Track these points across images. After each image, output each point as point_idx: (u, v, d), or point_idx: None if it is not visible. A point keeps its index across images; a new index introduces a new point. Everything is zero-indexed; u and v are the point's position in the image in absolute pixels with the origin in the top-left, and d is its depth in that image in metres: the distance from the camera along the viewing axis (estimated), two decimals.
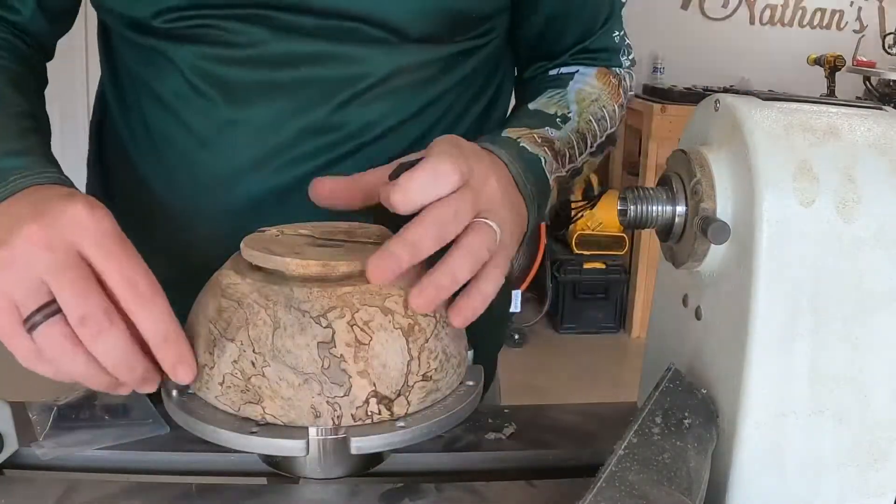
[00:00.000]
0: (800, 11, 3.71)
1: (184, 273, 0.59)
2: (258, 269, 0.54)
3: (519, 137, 0.66)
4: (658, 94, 3.25)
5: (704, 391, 0.51)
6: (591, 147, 0.74)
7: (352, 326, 0.50)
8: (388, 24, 0.67)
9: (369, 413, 0.50)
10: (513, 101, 0.84)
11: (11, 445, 0.56)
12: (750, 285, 0.48)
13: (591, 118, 0.74)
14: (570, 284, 3.26)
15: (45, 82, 0.75)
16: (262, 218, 0.61)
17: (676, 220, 0.54)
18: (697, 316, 0.55)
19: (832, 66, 3.32)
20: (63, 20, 0.75)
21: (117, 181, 0.78)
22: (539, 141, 0.67)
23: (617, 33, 0.81)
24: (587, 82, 0.78)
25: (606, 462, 0.45)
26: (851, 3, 3.73)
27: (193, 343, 0.53)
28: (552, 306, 3.29)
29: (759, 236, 0.47)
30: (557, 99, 0.75)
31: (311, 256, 0.53)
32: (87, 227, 0.47)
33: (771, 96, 0.53)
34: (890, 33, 3.58)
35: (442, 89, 0.73)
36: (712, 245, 0.51)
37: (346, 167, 0.67)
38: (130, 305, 0.47)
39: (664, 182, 0.55)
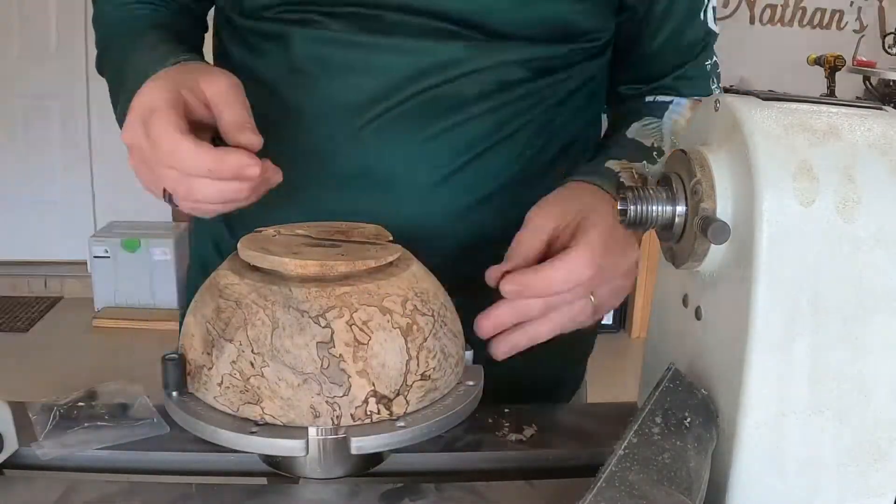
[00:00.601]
0: (800, 11, 3.71)
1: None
2: (256, 269, 0.54)
3: (619, 172, 0.69)
4: None
5: (704, 391, 0.51)
6: None
7: (350, 326, 0.50)
8: (487, 28, 0.70)
9: (368, 413, 0.50)
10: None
11: (11, 445, 0.56)
12: (750, 285, 0.48)
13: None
14: None
15: (202, 27, 0.83)
16: (351, 190, 0.70)
17: (676, 220, 0.54)
18: (697, 316, 0.55)
19: (832, 66, 3.31)
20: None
21: None
22: (636, 177, 0.70)
23: (709, 61, 0.84)
24: (681, 113, 0.81)
25: (606, 462, 0.45)
26: (851, 3, 3.73)
27: (191, 344, 0.53)
28: None
29: (759, 236, 0.47)
30: (653, 129, 0.78)
31: (309, 256, 0.53)
32: (135, 110, 0.58)
33: (771, 96, 0.53)
34: (890, 33, 3.58)
35: (534, 88, 0.74)
36: (712, 245, 0.51)
37: (435, 145, 0.71)
38: (167, 162, 0.56)
39: (664, 182, 0.55)
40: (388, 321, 0.51)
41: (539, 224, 0.63)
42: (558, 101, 0.76)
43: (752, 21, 3.69)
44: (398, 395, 0.51)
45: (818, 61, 3.37)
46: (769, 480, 0.50)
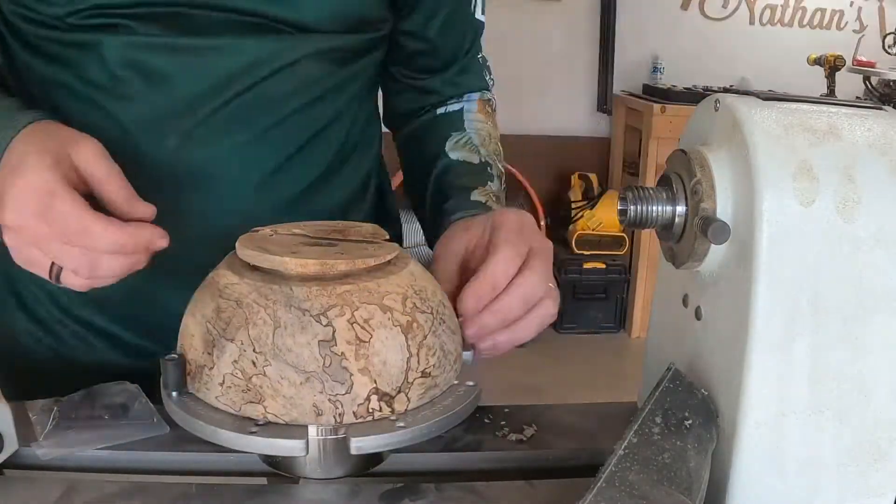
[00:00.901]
0: (800, 11, 3.71)
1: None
2: (255, 268, 0.54)
3: (486, 201, 0.77)
4: (658, 94, 3.24)
5: (704, 391, 0.51)
6: (503, 186, 0.84)
7: (352, 324, 0.50)
8: (288, 22, 0.72)
9: (370, 410, 0.50)
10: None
11: (11, 445, 0.56)
12: (750, 285, 0.48)
13: (495, 157, 0.85)
14: (570, 284, 3.26)
15: None
16: (173, 193, 0.69)
17: (676, 220, 0.54)
18: (697, 316, 0.55)
19: (832, 66, 3.31)
20: None
21: None
22: (494, 199, 0.79)
23: (480, 54, 0.91)
24: (476, 119, 0.87)
25: (606, 462, 0.45)
26: (851, 3, 3.73)
27: (191, 344, 0.53)
28: None
29: (759, 236, 0.47)
30: (466, 143, 0.84)
31: (309, 255, 0.53)
32: (24, 191, 0.58)
33: (771, 96, 0.53)
34: (890, 33, 3.58)
35: (341, 78, 0.78)
36: (712, 245, 0.51)
37: (257, 142, 0.73)
38: (76, 241, 0.56)
39: (664, 182, 0.55)
40: (389, 319, 0.51)
41: (447, 253, 0.68)
42: (354, 92, 0.80)
43: (752, 21, 3.68)
44: (399, 392, 0.51)
45: (818, 61, 3.36)
46: (769, 480, 0.50)
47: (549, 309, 0.65)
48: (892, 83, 3.31)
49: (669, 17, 3.58)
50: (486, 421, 0.63)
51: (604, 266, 3.27)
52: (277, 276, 0.52)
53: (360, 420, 0.50)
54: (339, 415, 0.50)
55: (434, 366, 0.53)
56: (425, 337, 0.53)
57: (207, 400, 0.52)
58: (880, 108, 0.53)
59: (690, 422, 0.49)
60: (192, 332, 0.54)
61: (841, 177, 0.49)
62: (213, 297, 0.53)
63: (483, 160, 0.83)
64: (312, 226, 0.60)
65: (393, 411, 0.51)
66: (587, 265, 3.26)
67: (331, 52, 0.76)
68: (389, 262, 0.56)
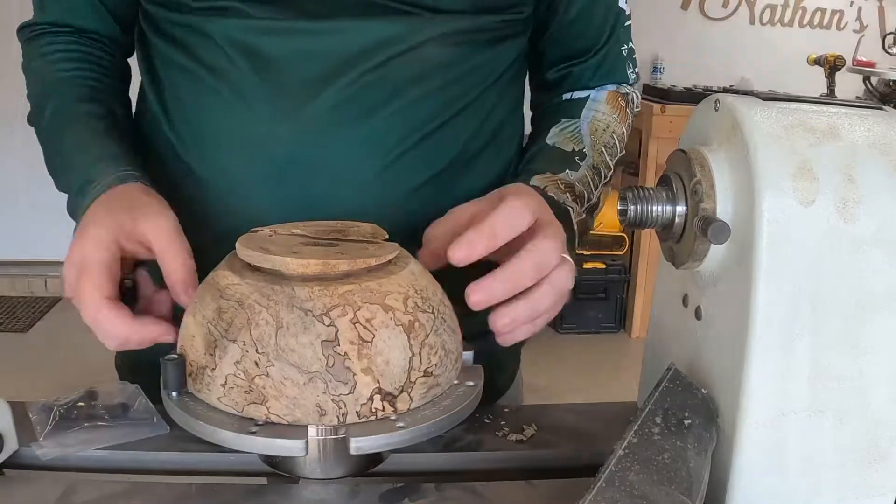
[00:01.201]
0: (800, 11, 3.71)
1: (218, 238, 0.63)
2: (256, 269, 0.54)
3: (545, 187, 0.70)
4: (658, 94, 3.24)
5: (704, 391, 0.51)
6: (605, 178, 0.78)
7: (354, 324, 0.50)
8: (413, 1, 0.69)
9: (373, 410, 0.50)
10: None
11: (11, 445, 0.56)
12: (750, 285, 0.48)
13: (603, 149, 0.78)
14: None
15: (127, 76, 0.82)
16: (292, 180, 0.68)
17: (676, 220, 0.54)
18: (697, 316, 0.55)
19: (832, 66, 3.31)
20: (130, 19, 0.79)
21: (155, 162, 0.79)
22: (563, 188, 0.71)
23: (625, 46, 0.84)
24: (598, 109, 0.81)
25: (606, 462, 0.45)
26: (851, 3, 3.73)
27: (192, 345, 0.53)
28: None
29: (759, 236, 0.47)
30: (571, 131, 0.78)
31: (310, 256, 0.53)
32: (75, 255, 0.62)
33: (771, 96, 0.53)
34: (890, 33, 3.58)
35: (474, 64, 0.74)
36: (712, 245, 0.51)
37: (379, 128, 0.70)
38: (86, 319, 0.59)
39: (664, 182, 0.55)
40: (391, 319, 0.51)
41: (455, 221, 0.62)
42: (491, 81, 0.76)
43: (752, 21, 3.69)
44: (402, 391, 0.51)
45: (818, 61, 3.36)
46: (769, 480, 0.50)
47: (564, 279, 0.59)
48: (892, 83, 3.31)
49: (669, 17, 3.58)
50: (487, 421, 0.63)
51: (604, 266, 3.27)
52: (279, 276, 0.52)
53: (363, 420, 0.50)
54: (343, 415, 0.50)
55: (436, 365, 0.53)
56: (427, 336, 0.53)
57: (209, 401, 0.52)
58: (880, 108, 0.53)
59: (690, 422, 0.49)
60: (192, 332, 0.54)
61: (841, 177, 0.49)
62: (213, 297, 0.53)
63: (577, 149, 0.77)
64: (312, 226, 0.60)
65: (396, 411, 0.51)
66: (587, 265, 3.26)
67: (461, 35, 0.72)
68: (390, 261, 0.56)
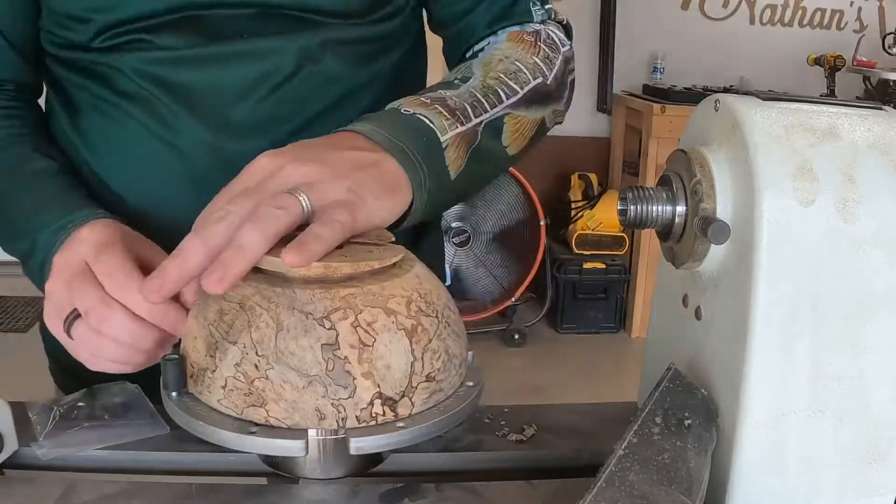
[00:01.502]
0: (800, 11, 3.71)
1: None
2: (259, 271, 0.54)
3: (401, 104, 0.63)
4: (658, 94, 3.24)
5: (704, 391, 0.51)
6: (509, 98, 0.69)
7: (355, 328, 0.50)
8: (306, 6, 0.70)
9: (374, 415, 0.50)
10: None
11: (11, 445, 0.56)
12: (750, 285, 0.48)
13: (500, 74, 0.70)
14: (570, 284, 3.26)
15: (45, 118, 0.80)
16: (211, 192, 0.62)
17: (676, 220, 0.54)
18: (697, 316, 0.55)
19: (832, 66, 3.31)
20: (38, 58, 0.77)
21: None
22: (428, 101, 0.64)
23: None
24: (495, 48, 0.74)
25: (606, 462, 0.45)
26: (851, 3, 3.73)
27: (194, 346, 0.53)
28: (552, 306, 3.29)
29: (759, 236, 0.47)
30: (460, 69, 0.72)
31: None
32: (86, 241, 0.60)
33: (771, 96, 0.53)
34: (890, 33, 3.58)
35: (365, 77, 0.75)
36: (712, 245, 0.51)
37: (285, 141, 0.66)
38: (114, 293, 0.56)
39: (664, 182, 0.55)
40: (393, 322, 0.51)
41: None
42: (380, 95, 0.76)
43: (752, 21, 3.68)
44: (403, 396, 0.51)
45: (818, 61, 3.37)
46: (769, 480, 0.50)
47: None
48: (892, 83, 3.31)
49: (669, 17, 3.58)
50: (486, 421, 0.63)
51: (604, 266, 3.27)
52: (281, 278, 0.52)
53: (362, 425, 0.50)
54: (342, 419, 0.50)
55: (439, 370, 0.53)
56: (430, 341, 0.52)
57: (209, 403, 0.52)
58: (880, 108, 0.53)
59: (690, 422, 0.49)
60: (194, 334, 0.53)
61: (841, 177, 0.49)
62: (215, 299, 0.53)
63: (458, 77, 0.70)
64: None
65: (397, 416, 0.51)
66: (587, 265, 3.26)
67: (350, 45, 0.73)
68: (394, 264, 0.55)
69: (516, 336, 3.19)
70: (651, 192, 0.54)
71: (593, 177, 3.36)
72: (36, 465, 0.56)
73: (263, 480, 0.56)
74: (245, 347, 0.50)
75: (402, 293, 0.52)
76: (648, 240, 3.18)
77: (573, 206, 3.32)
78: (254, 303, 0.51)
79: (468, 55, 0.78)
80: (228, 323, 0.51)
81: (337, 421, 0.49)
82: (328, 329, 0.49)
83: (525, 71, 0.72)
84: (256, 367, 0.50)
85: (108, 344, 0.57)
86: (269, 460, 0.56)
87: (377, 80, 0.77)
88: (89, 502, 0.51)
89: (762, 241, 0.47)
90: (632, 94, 3.43)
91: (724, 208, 0.50)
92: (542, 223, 3.17)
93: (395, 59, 0.78)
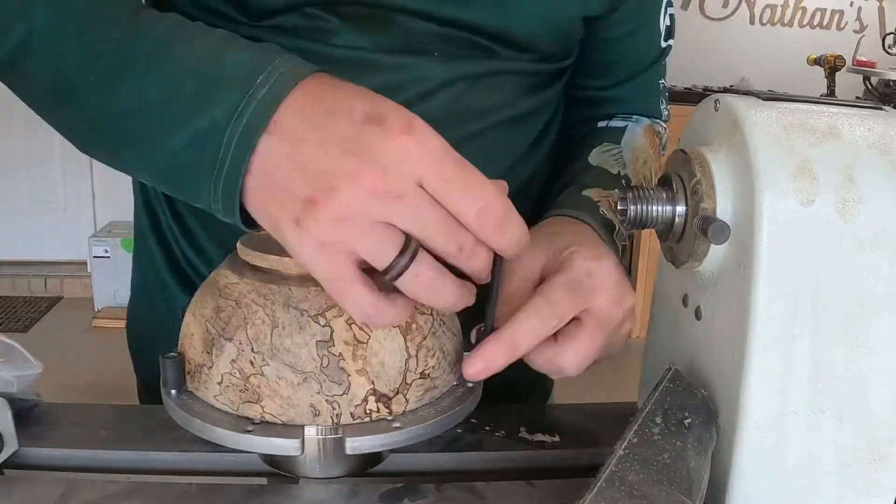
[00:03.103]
0: (800, 11, 3.71)
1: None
2: (256, 268, 0.54)
3: (599, 201, 0.67)
4: None
5: (704, 391, 0.51)
6: None
7: (350, 325, 0.50)
8: (508, 38, 0.69)
9: (368, 411, 0.50)
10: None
11: (11, 445, 0.56)
12: (750, 285, 0.48)
13: (642, 181, 0.77)
14: None
15: None
16: None
17: (676, 220, 0.54)
18: (697, 316, 0.55)
19: (832, 66, 3.32)
20: None
21: None
22: (613, 206, 0.68)
23: (662, 80, 0.85)
24: (637, 140, 0.80)
25: (606, 462, 0.45)
26: (851, 3, 3.73)
27: (191, 343, 0.53)
28: None
29: (759, 236, 0.47)
30: (614, 154, 0.76)
31: None
32: (420, 160, 0.42)
33: (771, 96, 0.53)
34: (890, 33, 3.58)
35: (531, 106, 0.75)
36: (712, 245, 0.51)
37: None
38: (488, 235, 0.44)
39: (664, 182, 0.55)
40: None
41: (526, 272, 0.57)
42: (548, 117, 0.78)
43: (752, 21, 3.69)
44: (398, 393, 0.51)
45: (818, 61, 3.37)
46: (769, 480, 0.50)
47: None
48: (892, 83, 3.31)
49: None
50: (488, 428, 0.63)
51: None
52: (277, 276, 0.52)
53: (357, 421, 0.50)
54: (337, 415, 0.50)
55: (433, 367, 0.53)
56: (424, 338, 0.53)
57: (206, 399, 0.52)
58: (880, 108, 0.53)
59: (690, 422, 0.49)
60: (192, 331, 0.54)
61: (841, 177, 0.49)
62: (213, 296, 0.53)
63: (622, 173, 0.75)
64: None
65: (391, 412, 0.51)
66: None
67: (525, 77, 0.73)
68: None
69: None
70: (651, 192, 0.54)
71: None
72: (36, 465, 0.56)
73: (263, 480, 0.56)
74: (241, 344, 0.50)
75: None
76: (648, 240, 3.17)
77: None
78: (250, 300, 0.51)
79: (600, 124, 0.82)
80: (225, 320, 0.51)
81: (332, 417, 0.50)
82: (323, 326, 0.50)
83: (653, 176, 0.79)
84: (252, 363, 0.50)
85: (454, 286, 0.46)
86: (269, 459, 0.56)
87: (547, 107, 0.78)
88: (89, 502, 0.51)
89: (762, 241, 0.47)
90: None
91: (724, 208, 0.50)
92: None
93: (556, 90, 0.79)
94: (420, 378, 0.52)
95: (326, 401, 0.50)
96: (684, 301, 0.57)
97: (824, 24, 3.74)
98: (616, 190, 0.64)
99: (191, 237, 0.77)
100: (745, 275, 0.49)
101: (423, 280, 0.44)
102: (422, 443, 0.52)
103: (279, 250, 0.53)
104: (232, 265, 0.55)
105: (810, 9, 3.71)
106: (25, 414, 0.60)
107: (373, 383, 0.50)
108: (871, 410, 0.50)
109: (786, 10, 3.70)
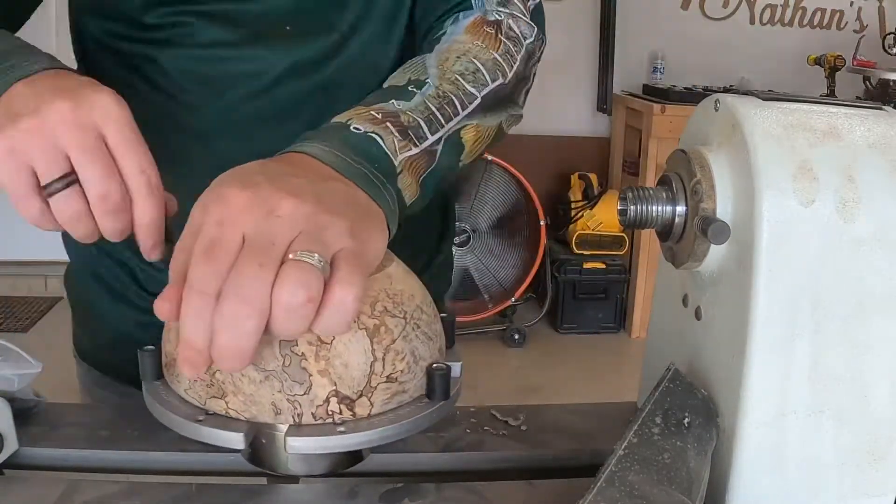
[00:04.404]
0: (800, 11, 3.71)
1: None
2: None
3: (349, 119, 0.57)
4: (658, 94, 3.24)
5: (704, 391, 0.51)
6: (465, 107, 0.64)
7: None
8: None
9: (330, 412, 0.50)
10: None
11: (11, 445, 0.56)
12: (750, 285, 0.48)
13: (457, 76, 0.64)
14: (570, 284, 3.26)
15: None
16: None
17: (676, 220, 0.54)
18: (697, 316, 0.55)
19: (832, 66, 3.31)
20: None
21: None
22: (379, 117, 0.58)
23: None
24: (453, 40, 0.68)
25: (606, 462, 0.45)
26: (851, 3, 3.73)
27: (168, 337, 0.54)
28: (552, 306, 3.29)
29: (759, 236, 0.47)
30: (414, 67, 0.65)
31: None
32: (114, 115, 0.52)
33: (771, 96, 0.53)
34: (890, 33, 3.58)
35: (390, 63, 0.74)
36: (712, 245, 0.51)
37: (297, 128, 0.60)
38: (138, 194, 0.53)
39: (664, 182, 0.55)
40: (354, 322, 0.50)
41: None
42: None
43: (752, 21, 3.68)
44: (361, 396, 0.51)
45: (818, 61, 3.37)
46: (769, 480, 0.50)
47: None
48: (892, 83, 3.31)
49: (669, 17, 3.58)
50: (486, 429, 0.63)
51: (604, 266, 3.27)
52: None
53: (318, 421, 0.50)
54: (298, 415, 0.50)
55: (402, 371, 0.52)
56: (393, 342, 0.52)
57: (178, 392, 0.53)
58: (880, 108, 0.53)
59: (690, 422, 0.49)
60: (170, 325, 0.54)
61: (841, 177, 0.49)
62: None
63: (413, 79, 0.63)
64: None
65: (355, 415, 0.51)
66: (587, 265, 3.26)
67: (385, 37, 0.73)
68: None
69: (516, 336, 3.19)
70: (651, 192, 0.54)
71: (593, 177, 3.36)
72: (36, 465, 0.56)
73: (263, 480, 0.56)
74: None
75: (367, 293, 0.52)
76: (648, 240, 3.17)
77: (573, 206, 3.32)
78: None
79: (427, 38, 0.72)
80: None
81: (293, 416, 0.50)
82: None
83: (483, 71, 0.66)
84: None
85: (91, 227, 0.53)
86: (251, 457, 0.55)
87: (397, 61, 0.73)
88: (89, 502, 0.51)
89: (762, 241, 0.47)
90: (632, 94, 3.43)
91: (724, 208, 0.50)
92: (542, 223, 3.17)
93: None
94: (386, 382, 0.52)
95: (287, 400, 0.50)
96: (684, 301, 0.57)
97: (824, 24, 3.74)
98: (392, 101, 0.59)
99: None
100: (745, 275, 0.49)
101: (67, 207, 0.52)
102: (422, 443, 0.52)
103: None
104: None
105: (810, 9, 3.70)
106: (25, 414, 0.60)
107: (335, 384, 0.50)
108: (871, 410, 0.51)
109: (786, 10, 3.70)
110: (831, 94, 3.31)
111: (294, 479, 0.54)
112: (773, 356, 0.49)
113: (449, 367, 0.54)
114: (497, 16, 0.71)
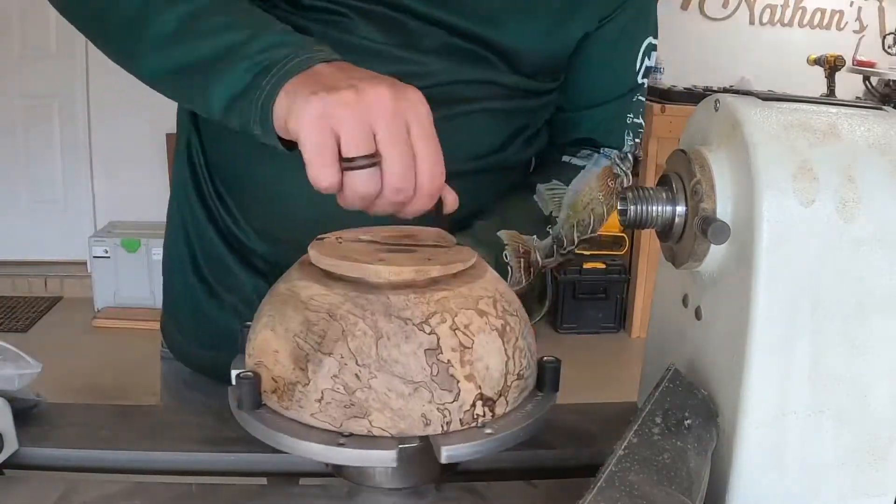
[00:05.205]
0: (800, 11, 3.71)
1: (275, 248, 0.71)
2: (336, 278, 0.52)
3: (507, 243, 0.73)
4: (658, 94, 3.25)
5: (704, 391, 0.51)
6: (563, 250, 0.81)
7: (454, 331, 0.49)
8: (506, 53, 0.74)
9: (475, 416, 0.49)
10: None
11: (11, 445, 0.56)
12: (750, 285, 0.48)
13: (574, 224, 0.81)
14: (570, 284, 3.26)
15: None
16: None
17: (676, 220, 0.54)
18: (697, 316, 0.55)
19: (832, 66, 3.31)
20: None
21: (217, 164, 0.80)
22: (520, 251, 0.74)
23: (631, 115, 0.87)
24: (587, 184, 0.83)
25: (606, 462, 0.45)
26: (851, 3, 3.73)
27: (276, 360, 0.51)
28: (552, 306, 3.29)
29: (759, 236, 0.47)
30: (555, 195, 0.81)
31: (401, 262, 0.51)
32: (423, 111, 0.55)
33: (771, 96, 0.53)
34: (890, 33, 3.58)
35: (522, 123, 0.81)
36: (712, 245, 0.51)
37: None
38: (421, 191, 0.55)
39: (664, 182, 0.55)
40: (486, 323, 0.50)
41: None
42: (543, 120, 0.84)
43: (752, 21, 3.68)
44: (500, 395, 0.51)
45: (818, 61, 3.37)
46: (769, 480, 0.50)
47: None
48: (892, 83, 3.31)
49: (669, 17, 3.58)
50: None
51: (604, 266, 3.27)
52: (365, 284, 0.50)
53: (465, 427, 0.49)
54: (447, 423, 0.49)
55: (525, 367, 0.52)
56: (517, 339, 0.52)
57: (300, 417, 0.49)
58: (880, 108, 0.53)
59: (690, 422, 0.49)
60: (275, 347, 0.51)
61: (841, 177, 0.49)
62: (297, 309, 0.51)
63: (553, 215, 0.79)
64: (378, 231, 0.58)
65: (494, 415, 0.50)
66: (587, 265, 3.26)
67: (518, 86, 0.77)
68: (472, 266, 0.54)
69: None
70: (651, 192, 0.54)
71: None
72: (36, 465, 0.56)
73: (263, 480, 0.56)
74: (343, 358, 0.48)
75: (487, 294, 0.52)
76: (648, 240, 3.18)
77: None
78: (345, 311, 0.49)
79: (564, 159, 0.85)
80: (319, 333, 0.49)
81: (442, 425, 0.48)
82: (429, 334, 0.48)
83: (593, 223, 0.83)
84: (357, 377, 0.48)
85: (376, 208, 0.57)
86: (337, 467, 0.53)
87: (532, 113, 0.82)
88: (89, 502, 0.51)
89: (762, 241, 0.47)
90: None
91: (724, 208, 0.50)
92: None
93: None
94: (517, 379, 0.52)
95: (437, 409, 0.48)
96: (684, 301, 0.57)
97: (824, 24, 3.74)
98: (534, 237, 0.76)
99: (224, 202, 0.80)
100: (745, 275, 0.49)
101: (363, 186, 0.54)
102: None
103: (365, 258, 0.51)
104: (307, 275, 0.53)
105: (810, 9, 3.70)
106: (25, 414, 0.60)
107: (480, 388, 0.49)
108: (870, 410, 0.51)
109: (786, 10, 3.70)
110: (831, 94, 3.31)
111: (294, 479, 0.54)
112: (772, 356, 0.49)
113: (559, 360, 0.56)
114: (618, 171, 0.87)
